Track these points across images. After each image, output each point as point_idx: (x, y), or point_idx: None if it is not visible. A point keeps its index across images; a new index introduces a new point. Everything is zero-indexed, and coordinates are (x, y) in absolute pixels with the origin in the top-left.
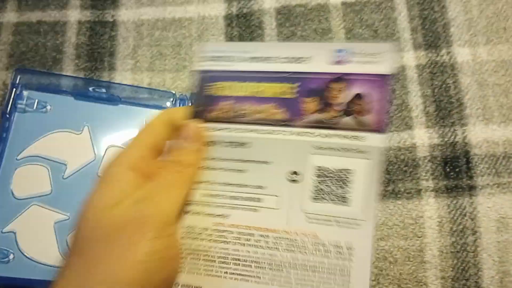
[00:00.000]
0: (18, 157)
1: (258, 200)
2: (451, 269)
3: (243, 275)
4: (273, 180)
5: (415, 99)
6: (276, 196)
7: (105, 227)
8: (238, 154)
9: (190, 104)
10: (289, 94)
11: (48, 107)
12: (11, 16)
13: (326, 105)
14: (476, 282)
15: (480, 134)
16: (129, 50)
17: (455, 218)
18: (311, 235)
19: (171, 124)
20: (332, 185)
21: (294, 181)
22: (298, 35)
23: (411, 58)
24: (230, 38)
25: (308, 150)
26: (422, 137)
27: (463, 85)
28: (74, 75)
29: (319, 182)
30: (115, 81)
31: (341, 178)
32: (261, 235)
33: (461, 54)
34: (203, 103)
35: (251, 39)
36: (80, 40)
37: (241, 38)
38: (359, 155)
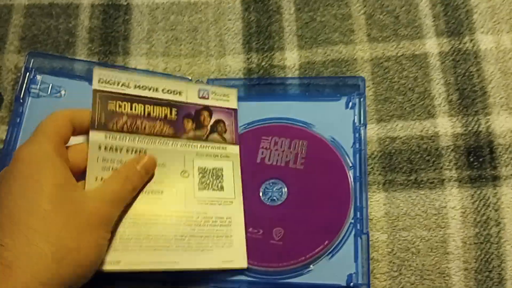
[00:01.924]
0: None
1: (160, 192)
2: (474, 260)
3: (155, 247)
4: (169, 176)
5: (438, 87)
6: (174, 187)
7: None
8: None
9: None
10: (172, 116)
11: (63, 92)
12: None
13: (199, 125)
14: (499, 274)
15: (504, 124)
16: (143, 34)
17: (478, 208)
18: (202, 212)
19: (73, 123)
20: (211, 178)
21: (185, 177)
22: (318, 21)
23: (434, 45)
24: (247, 23)
25: (191, 156)
26: (445, 126)
27: (487, 73)
28: (88, 59)
29: (202, 177)
30: (130, 66)
31: (216, 174)
32: (167, 215)
33: (484, 41)
34: (106, 116)
35: (269, 24)
36: (93, 24)
37: (258, 23)
38: (225, 159)
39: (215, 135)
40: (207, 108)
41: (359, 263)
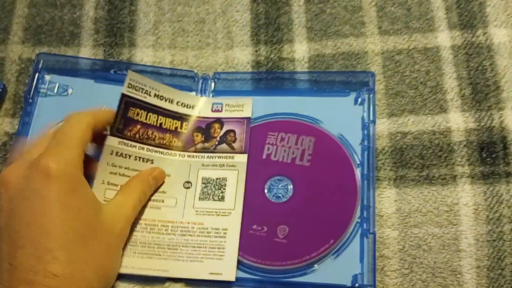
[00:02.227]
0: None
1: (161, 201)
2: (486, 258)
3: (147, 254)
4: (172, 187)
5: (450, 81)
6: (175, 198)
7: None
8: (145, 167)
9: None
10: (182, 129)
11: (70, 91)
12: None
13: (208, 137)
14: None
15: None
16: (149, 25)
17: (491, 205)
18: (199, 223)
19: (94, 127)
20: (213, 188)
21: (187, 188)
22: (327, 13)
23: (446, 38)
24: (256, 14)
25: (197, 167)
26: (458, 121)
27: (500, 67)
28: (93, 50)
29: (204, 187)
30: (136, 58)
31: (219, 184)
32: (163, 225)
33: (498, 35)
34: (124, 122)
35: (278, 16)
36: (99, 14)
37: (267, 15)
38: (231, 168)
39: (223, 145)
40: (218, 120)
41: (365, 263)
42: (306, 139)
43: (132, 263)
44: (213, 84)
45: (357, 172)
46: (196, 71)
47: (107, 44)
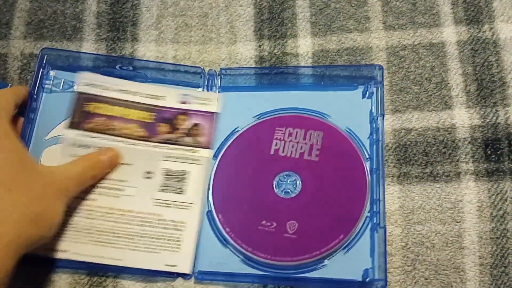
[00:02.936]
0: (46, 138)
1: (120, 189)
2: (490, 255)
3: (103, 242)
4: (132, 176)
5: (456, 77)
6: (135, 187)
7: None
8: None
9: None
10: (148, 119)
11: (75, 87)
12: None
13: (174, 128)
14: None
15: None
16: (152, 20)
17: (495, 203)
18: (156, 214)
19: (16, 101)
20: (174, 181)
21: (148, 178)
22: (332, 7)
23: (452, 34)
24: (259, 9)
25: (159, 157)
26: (462, 118)
27: (506, 63)
28: (95, 45)
29: (165, 179)
30: (139, 53)
31: (180, 176)
32: (121, 214)
33: (504, 30)
34: (80, 116)
35: (282, 11)
36: (101, 9)
37: (270, 10)
38: (194, 162)
39: (188, 138)
40: (185, 112)
41: (375, 257)
42: (314, 133)
43: (86, 251)
44: (219, 79)
45: (366, 166)
46: (202, 67)
47: (109, 39)
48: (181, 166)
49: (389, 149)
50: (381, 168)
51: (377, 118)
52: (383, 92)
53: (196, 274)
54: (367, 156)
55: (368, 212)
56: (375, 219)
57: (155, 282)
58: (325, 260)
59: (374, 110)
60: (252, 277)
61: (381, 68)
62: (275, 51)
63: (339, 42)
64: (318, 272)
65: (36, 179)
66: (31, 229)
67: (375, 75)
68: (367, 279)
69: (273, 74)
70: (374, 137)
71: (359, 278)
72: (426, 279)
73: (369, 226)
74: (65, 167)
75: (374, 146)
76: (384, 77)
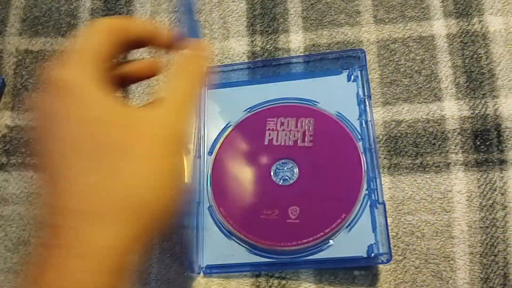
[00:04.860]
0: None
1: None
2: (479, 244)
3: None
4: None
5: (445, 69)
6: None
7: (88, 143)
8: None
9: None
10: None
11: None
12: None
13: None
14: (504, 258)
15: None
16: (146, 16)
17: (484, 192)
18: None
19: (120, 36)
20: None
21: None
22: (323, 2)
23: (442, 27)
24: (251, 5)
25: None
26: (452, 109)
27: (495, 55)
28: None
29: None
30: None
31: None
32: None
33: (494, 23)
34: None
35: (274, 6)
36: (95, 5)
37: (262, 5)
38: None
39: None
40: None
41: (377, 233)
42: (306, 120)
43: None
44: None
45: (359, 145)
46: None
47: None
48: None
49: (379, 141)
50: (373, 146)
51: (365, 100)
52: (367, 74)
53: (204, 269)
54: (359, 137)
55: (366, 189)
56: (373, 195)
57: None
58: (330, 241)
59: (360, 93)
60: (259, 265)
61: (363, 52)
62: (267, 46)
63: (330, 36)
64: (324, 253)
65: (137, 146)
66: (138, 219)
67: (358, 58)
68: (372, 254)
69: (260, 67)
70: (364, 118)
71: (364, 254)
72: (417, 268)
73: (369, 203)
74: (167, 99)
75: (365, 127)
76: (375, 70)
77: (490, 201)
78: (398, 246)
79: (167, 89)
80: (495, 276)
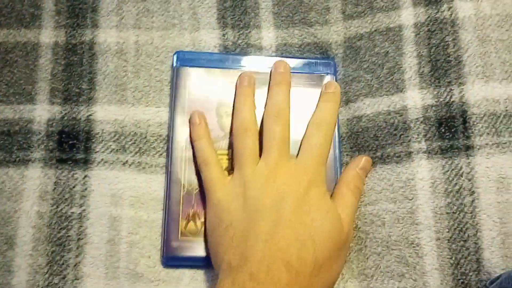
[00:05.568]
0: None
1: None
2: (446, 230)
3: None
4: None
5: (410, 60)
6: None
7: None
8: None
9: None
10: None
11: None
12: None
13: None
14: (475, 243)
15: (479, 93)
16: (113, 5)
17: (450, 178)
18: None
19: None
20: None
21: None
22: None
23: (410, 16)
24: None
25: None
26: (415, 99)
27: (463, 42)
28: (54, 32)
29: None
30: (100, 39)
31: None
32: None
33: (464, 8)
34: None
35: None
36: None
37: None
38: None
39: None
40: None
41: None
42: None
43: None
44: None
45: None
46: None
47: (68, 26)
48: None
49: (342, 139)
50: (338, 147)
51: None
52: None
53: (163, 260)
54: None
55: None
56: None
57: None
58: None
59: None
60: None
61: (332, 59)
62: (239, 41)
63: (301, 36)
64: None
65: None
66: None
67: (330, 67)
68: None
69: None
70: None
71: None
72: (378, 254)
73: None
74: (344, 203)
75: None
76: (339, 71)
77: (457, 187)
78: (358, 236)
79: (343, 196)
80: (466, 262)
